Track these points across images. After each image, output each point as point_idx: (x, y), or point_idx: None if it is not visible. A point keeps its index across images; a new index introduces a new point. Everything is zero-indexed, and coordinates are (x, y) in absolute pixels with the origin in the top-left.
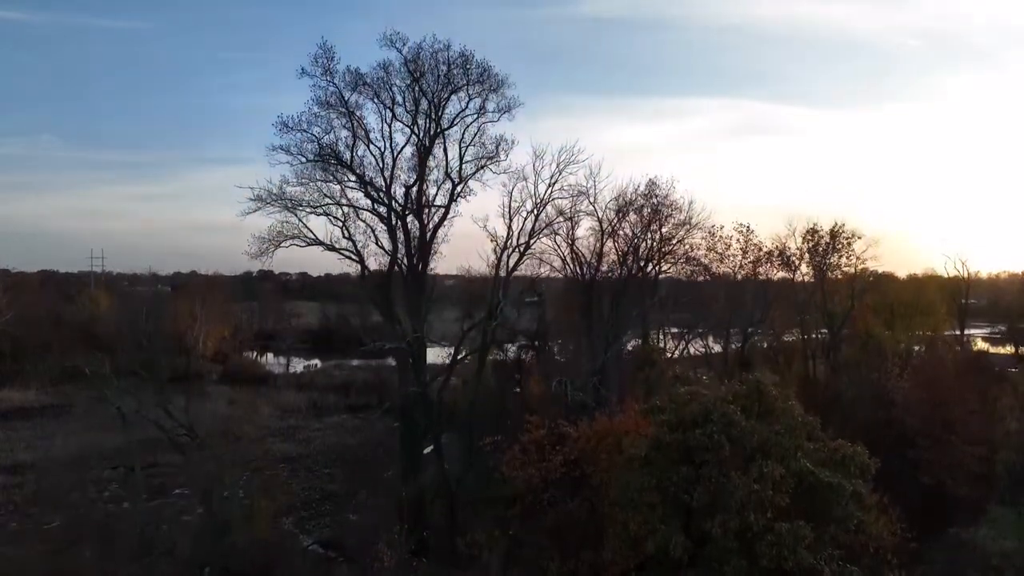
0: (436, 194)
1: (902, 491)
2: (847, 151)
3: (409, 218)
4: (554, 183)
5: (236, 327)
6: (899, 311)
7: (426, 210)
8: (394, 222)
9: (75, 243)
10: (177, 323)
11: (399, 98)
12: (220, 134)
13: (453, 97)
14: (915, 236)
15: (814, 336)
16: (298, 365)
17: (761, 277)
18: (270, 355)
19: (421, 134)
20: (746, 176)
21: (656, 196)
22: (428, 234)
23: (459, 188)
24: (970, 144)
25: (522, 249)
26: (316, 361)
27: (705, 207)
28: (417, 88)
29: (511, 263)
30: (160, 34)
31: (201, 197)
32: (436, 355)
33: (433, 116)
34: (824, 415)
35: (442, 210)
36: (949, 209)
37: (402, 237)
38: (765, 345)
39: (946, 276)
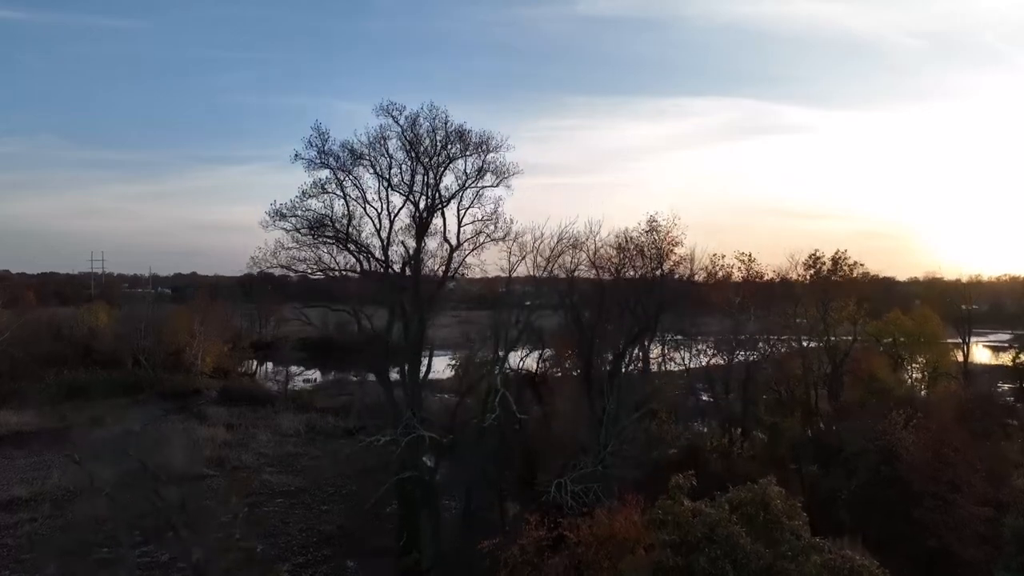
0: (435, 269)
1: (908, 553)
2: (848, 150)
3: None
4: (556, 256)
5: (235, 339)
6: (901, 341)
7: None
8: (392, 295)
9: (75, 243)
10: (176, 338)
11: (396, 169)
12: (220, 133)
13: (450, 167)
14: (916, 236)
15: (817, 344)
16: (297, 379)
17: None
18: (270, 364)
19: (420, 204)
20: (745, 175)
21: (658, 232)
22: (425, 304)
23: (457, 259)
24: (971, 144)
25: (520, 327)
26: (316, 373)
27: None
28: (414, 158)
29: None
30: (160, 34)
31: (202, 196)
32: (438, 363)
33: (428, 193)
34: (827, 466)
35: (442, 268)
36: (950, 210)
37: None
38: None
39: (947, 280)
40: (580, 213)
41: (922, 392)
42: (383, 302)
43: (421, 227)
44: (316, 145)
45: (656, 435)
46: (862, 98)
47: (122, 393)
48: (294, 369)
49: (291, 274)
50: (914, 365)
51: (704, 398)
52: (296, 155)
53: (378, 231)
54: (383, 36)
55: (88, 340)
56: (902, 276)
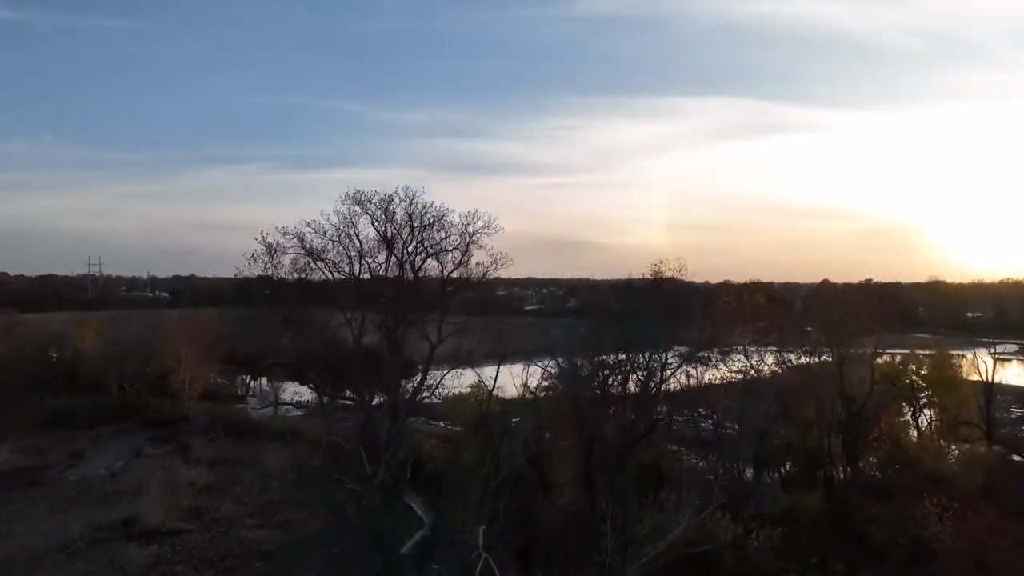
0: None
1: None
2: (849, 150)
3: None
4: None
5: (226, 359)
6: (918, 384)
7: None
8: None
9: (74, 244)
10: (164, 360)
11: (366, 263)
12: (220, 133)
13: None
14: (918, 236)
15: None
16: (292, 400)
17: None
18: (264, 380)
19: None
20: (745, 174)
21: (662, 278)
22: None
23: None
24: (973, 145)
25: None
26: (310, 393)
27: None
28: (387, 248)
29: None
30: (160, 34)
31: (201, 196)
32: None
33: (399, 316)
34: (852, 563)
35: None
36: (952, 210)
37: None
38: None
39: (950, 283)
40: (580, 212)
41: (947, 451)
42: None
43: (393, 341)
44: (262, 260)
45: (663, 524)
46: (863, 98)
47: (106, 421)
48: (288, 391)
49: (291, 280)
50: (933, 409)
51: (706, 424)
52: (236, 274)
53: (349, 322)
54: (383, 36)
55: (74, 363)
56: (904, 277)
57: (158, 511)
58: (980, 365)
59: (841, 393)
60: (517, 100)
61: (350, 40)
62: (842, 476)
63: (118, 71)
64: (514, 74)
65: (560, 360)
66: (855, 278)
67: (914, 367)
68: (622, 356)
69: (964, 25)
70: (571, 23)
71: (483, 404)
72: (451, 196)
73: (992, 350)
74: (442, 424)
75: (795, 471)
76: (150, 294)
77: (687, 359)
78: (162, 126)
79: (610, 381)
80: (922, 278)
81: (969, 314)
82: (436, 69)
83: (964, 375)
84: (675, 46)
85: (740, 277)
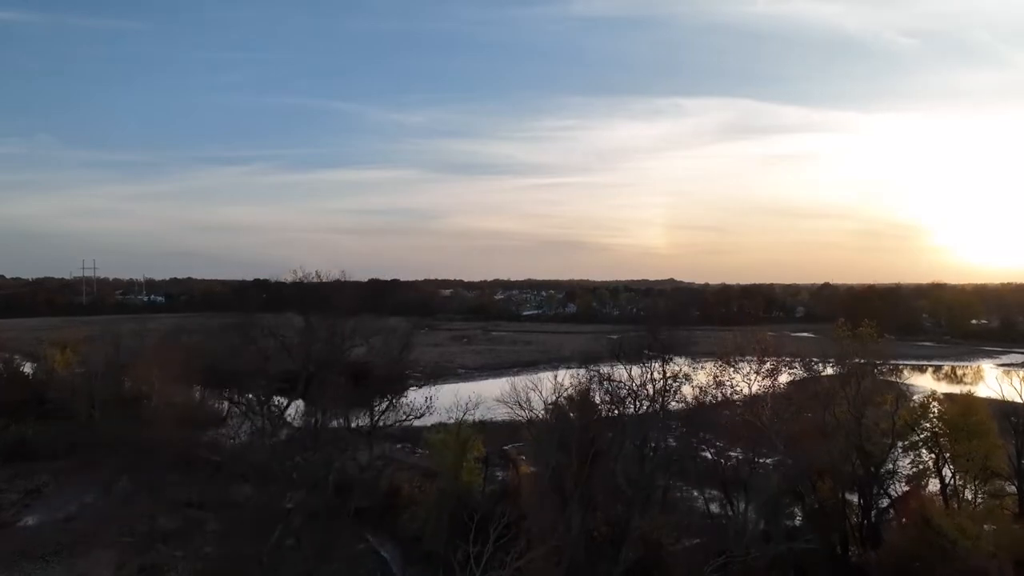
0: None
1: None
2: (848, 150)
3: None
4: None
5: (207, 377)
6: (944, 433)
7: None
8: None
9: (72, 246)
10: (139, 381)
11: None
12: (220, 133)
13: None
14: (917, 236)
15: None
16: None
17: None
18: (250, 395)
19: None
20: (743, 174)
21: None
22: None
23: None
24: (973, 145)
25: None
26: (292, 412)
27: None
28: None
29: None
30: (161, 34)
31: (200, 196)
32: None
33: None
34: None
35: None
36: (952, 209)
37: None
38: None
39: (951, 285)
40: (580, 212)
41: (982, 521)
42: None
43: None
44: None
45: None
46: (863, 98)
47: (73, 451)
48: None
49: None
50: (959, 459)
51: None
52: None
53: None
54: (384, 37)
55: (43, 387)
56: (906, 279)
57: (106, 570)
58: (1002, 394)
59: (858, 447)
60: (516, 100)
61: (350, 40)
62: (860, 546)
63: (118, 71)
64: (513, 74)
65: (538, 425)
66: (856, 279)
67: (936, 409)
68: (612, 412)
69: (963, 25)
70: (570, 23)
71: (463, 446)
72: (451, 196)
73: (1005, 363)
74: (428, 453)
75: (807, 528)
76: (145, 298)
77: (684, 440)
78: (162, 126)
79: (595, 456)
80: (924, 280)
81: (974, 321)
82: (436, 69)
83: (977, 391)
84: (675, 46)
85: (740, 278)
